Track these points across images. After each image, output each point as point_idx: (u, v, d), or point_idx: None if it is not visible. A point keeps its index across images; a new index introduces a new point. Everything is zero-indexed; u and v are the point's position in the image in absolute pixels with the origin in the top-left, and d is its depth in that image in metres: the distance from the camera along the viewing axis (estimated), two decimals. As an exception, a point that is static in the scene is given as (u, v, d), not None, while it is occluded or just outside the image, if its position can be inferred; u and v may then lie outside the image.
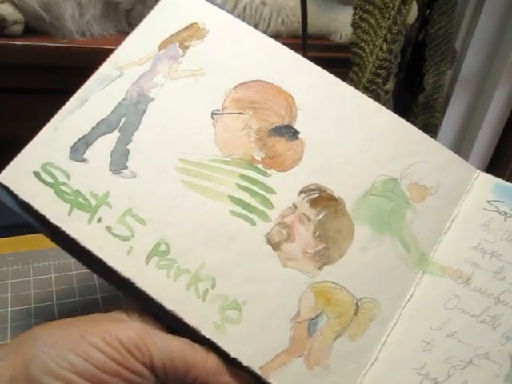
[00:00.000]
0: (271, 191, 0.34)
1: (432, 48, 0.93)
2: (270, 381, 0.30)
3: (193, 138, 0.36)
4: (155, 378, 0.28)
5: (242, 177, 0.34)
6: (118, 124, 0.36)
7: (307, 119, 0.37)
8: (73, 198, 0.33)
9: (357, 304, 0.33)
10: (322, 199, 0.34)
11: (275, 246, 0.33)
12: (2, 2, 0.75)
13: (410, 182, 0.36)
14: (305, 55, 0.73)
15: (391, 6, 0.78)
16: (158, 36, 0.39)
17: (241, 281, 0.32)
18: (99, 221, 0.32)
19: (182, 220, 0.33)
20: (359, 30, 0.82)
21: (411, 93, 0.98)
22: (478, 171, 0.38)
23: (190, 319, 0.30)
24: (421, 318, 0.33)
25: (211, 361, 0.29)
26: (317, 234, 0.34)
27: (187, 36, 0.40)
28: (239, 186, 0.34)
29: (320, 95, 0.38)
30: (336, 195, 0.35)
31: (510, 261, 0.34)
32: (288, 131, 0.36)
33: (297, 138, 0.36)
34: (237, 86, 0.37)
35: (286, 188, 0.34)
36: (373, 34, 0.81)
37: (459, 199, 0.37)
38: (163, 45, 0.39)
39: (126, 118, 0.36)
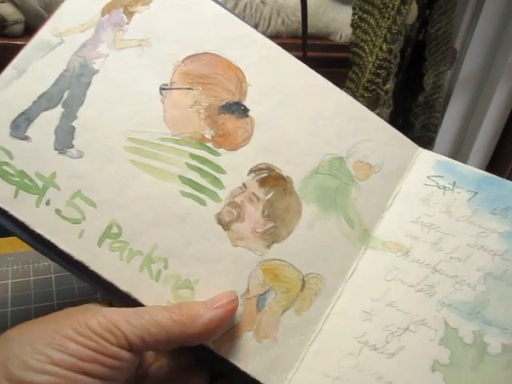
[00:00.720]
0: (221, 171, 0.35)
1: (432, 48, 0.94)
2: (222, 354, 0.32)
3: (141, 114, 0.35)
4: (134, 356, 0.29)
5: (192, 156, 0.35)
6: (61, 98, 0.35)
7: (257, 96, 0.37)
8: (18, 179, 0.32)
9: (303, 280, 0.34)
10: (270, 178, 0.35)
11: (225, 226, 0.34)
12: (3, 2, 0.73)
13: (356, 160, 0.38)
14: (305, 55, 0.72)
15: (391, 5, 0.78)
16: None
17: (192, 261, 0.33)
18: (48, 203, 0.32)
19: (132, 201, 0.33)
20: (359, 30, 0.83)
21: (411, 93, 0.99)
22: (420, 149, 0.40)
23: (145, 300, 0.31)
24: (362, 290, 0.35)
25: (186, 315, 0.30)
26: (266, 213, 0.35)
27: (132, 0, 0.38)
28: (189, 165, 0.34)
29: (270, 71, 0.38)
30: (284, 174, 0.36)
31: (447, 232, 0.36)
32: (238, 108, 0.36)
33: (247, 115, 0.36)
34: (185, 59, 0.37)
35: (236, 167, 0.35)
36: (372, 34, 0.81)
37: (401, 176, 0.39)
38: (106, 9, 0.37)
39: (70, 92, 0.35)
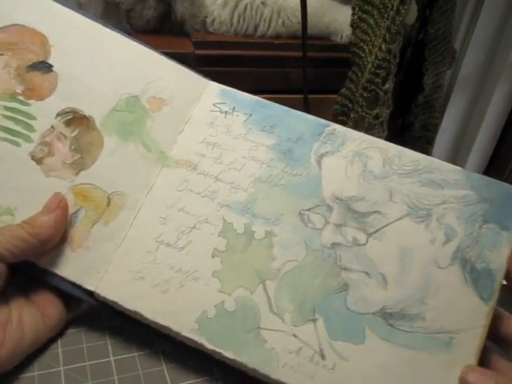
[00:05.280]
0: (32, 117, 0.42)
1: (431, 48, 0.97)
2: (42, 265, 0.41)
3: None
4: (3, 265, 0.38)
5: (6, 108, 0.42)
6: None
7: (59, 55, 0.44)
8: None
9: (108, 197, 0.43)
10: (75, 119, 0.43)
11: (38, 161, 0.42)
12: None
13: (149, 96, 0.46)
14: (304, 55, 0.77)
15: (390, 6, 0.80)
16: None
17: (12, 192, 0.41)
18: None
19: None
20: (358, 31, 0.85)
21: (411, 93, 1.02)
22: (207, 81, 0.48)
23: None
24: (159, 201, 0.44)
25: (36, 227, 0.39)
26: (72, 147, 0.43)
27: None
28: (4, 116, 0.42)
29: (70, 33, 0.45)
30: (87, 114, 0.44)
31: (227, 148, 0.46)
32: (43, 66, 0.44)
33: (51, 70, 0.44)
34: None
35: (44, 114, 0.43)
36: (372, 34, 0.83)
37: (191, 106, 0.47)
38: None
39: None
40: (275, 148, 0.45)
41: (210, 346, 0.39)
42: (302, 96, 0.88)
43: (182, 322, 0.40)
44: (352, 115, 0.87)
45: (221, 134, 0.46)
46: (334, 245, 0.41)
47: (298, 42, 0.86)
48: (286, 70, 0.90)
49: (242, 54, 0.87)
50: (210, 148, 0.46)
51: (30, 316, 0.40)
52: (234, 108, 0.47)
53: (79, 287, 0.42)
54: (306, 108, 0.88)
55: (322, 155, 0.44)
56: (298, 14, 0.86)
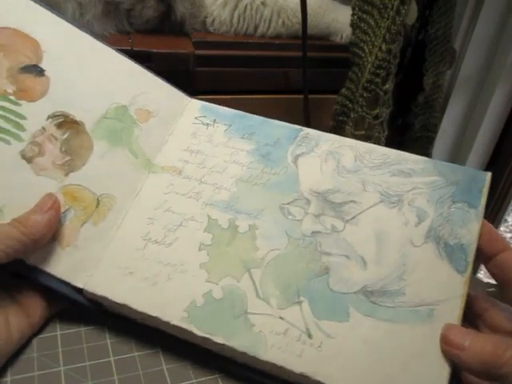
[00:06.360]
0: (23, 117, 0.44)
1: (431, 48, 1.00)
2: (31, 263, 0.41)
3: None
4: None
5: None
6: None
7: (51, 60, 0.47)
8: None
9: (98, 199, 0.45)
10: (66, 123, 0.46)
11: (28, 160, 0.43)
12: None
13: (137, 108, 0.49)
14: (304, 55, 0.79)
15: (390, 6, 0.82)
16: None
17: (0, 189, 0.41)
18: None
19: None
20: (358, 31, 0.87)
21: (411, 93, 1.04)
22: (190, 98, 0.53)
23: None
24: (146, 204, 0.46)
25: (29, 226, 0.39)
26: (63, 149, 0.45)
27: None
28: (-5, 114, 0.43)
29: (63, 42, 0.48)
30: (78, 119, 0.46)
31: (209, 154, 0.49)
32: (35, 69, 0.46)
33: (43, 75, 0.46)
34: None
35: (35, 115, 0.44)
36: (372, 35, 0.85)
37: (175, 119, 0.51)
38: None
39: None
40: (254, 152, 0.49)
41: (199, 333, 0.40)
42: (302, 96, 0.88)
43: (171, 311, 0.41)
44: (352, 115, 0.88)
45: (203, 142, 0.50)
46: (314, 233, 0.44)
47: (298, 42, 0.87)
48: (285, 70, 0.91)
49: (242, 54, 0.88)
50: (194, 155, 0.49)
51: (16, 316, 0.40)
52: (214, 120, 0.51)
53: (68, 285, 0.42)
54: (306, 108, 0.87)
55: (298, 156, 0.48)
56: (298, 14, 0.87)
